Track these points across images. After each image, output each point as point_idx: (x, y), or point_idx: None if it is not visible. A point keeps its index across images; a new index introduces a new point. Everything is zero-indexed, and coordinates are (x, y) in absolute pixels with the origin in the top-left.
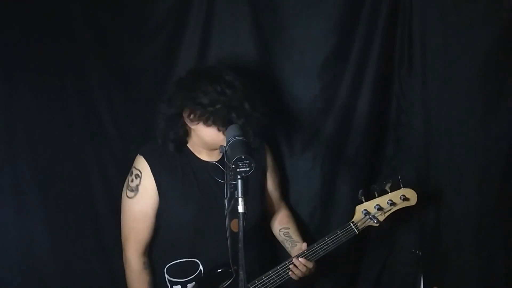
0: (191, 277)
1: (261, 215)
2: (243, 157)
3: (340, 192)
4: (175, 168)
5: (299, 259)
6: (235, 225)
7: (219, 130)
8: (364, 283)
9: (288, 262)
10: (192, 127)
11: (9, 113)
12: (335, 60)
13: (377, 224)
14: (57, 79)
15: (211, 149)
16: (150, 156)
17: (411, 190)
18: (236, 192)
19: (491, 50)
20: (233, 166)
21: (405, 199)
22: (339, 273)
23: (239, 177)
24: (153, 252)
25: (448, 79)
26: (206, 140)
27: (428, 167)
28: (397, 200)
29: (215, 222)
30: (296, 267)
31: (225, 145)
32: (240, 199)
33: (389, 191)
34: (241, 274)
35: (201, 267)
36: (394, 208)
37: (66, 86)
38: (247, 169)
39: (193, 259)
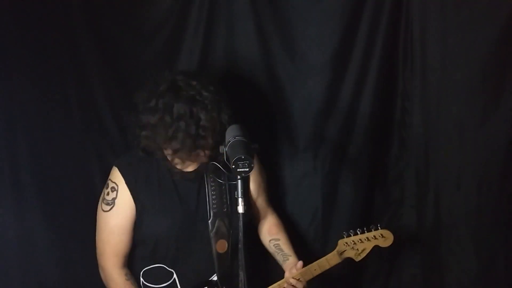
0: (165, 284)
1: (246, 224)
2: (243, 157)
3: (343, 193)
4: (152, 180)
5: (292, 280)
6: (220, 246)
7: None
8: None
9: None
10: None
11: (9, 112)
12: (337, 60)
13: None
14: (57, 78)
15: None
16: (125, 169)
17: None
18: (236, 192)
19: (491, 50)
20: (233, 166)
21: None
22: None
23: (238, 177)
24: (131, 259)
25: (448, 79)
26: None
27: (427, 167)
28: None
29: (195, 233)
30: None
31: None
32: (240, 199)
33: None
34: (241, 275)
35: (175, 276)
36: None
37: (67, 86)
38: (247, 169)
39: (167, 268)
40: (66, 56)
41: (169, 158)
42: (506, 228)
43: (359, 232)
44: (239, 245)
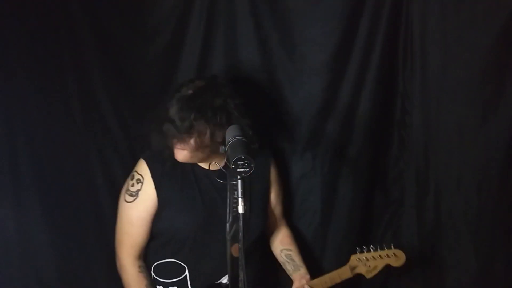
0: (175, 279)
1: (262, 231)
2: (243, 157)
3: (342, 193)
4: (176, 176)
5: None
6: (236, 250)
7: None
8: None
9: None
10: None
11: (10, 113)
12: (337, 60)
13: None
14: (59, 78)
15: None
16: (152, 162)
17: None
18: (236, 192)
19: (491, 50)
20: (233, 166)
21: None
22: None
23: (239, 177)
24: (145, 250)
25: (448, 79)
26: None
27: (428, 167)
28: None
29: (212, 231)
30: None
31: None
32: (240, 200)
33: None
34: (241, 275)
35: (187, 272)
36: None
37: (68, 86)
38: (247, 169)
39: (181, 263)
40: (67, 56)
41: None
42: (506, 228)
43: (372, 249)
44: (239, 245)
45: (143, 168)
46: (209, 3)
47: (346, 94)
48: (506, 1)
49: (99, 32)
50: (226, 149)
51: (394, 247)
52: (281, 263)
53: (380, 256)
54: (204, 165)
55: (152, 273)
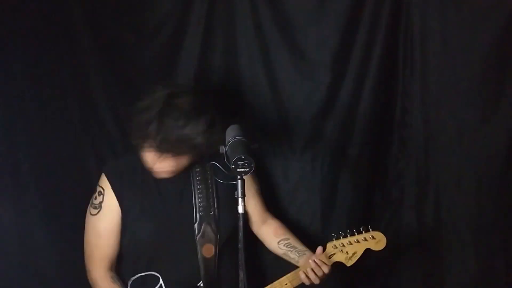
0: None
1: (234, 228)
2: (243, 157)
3: (342, 193)
4: (136, 185)
5: (317, 259)
6: (206, 251)
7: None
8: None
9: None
10: None
11: (10, 113)
12: (337, 60)
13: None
14: (57, 78)
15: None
16: (111, 174)
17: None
18: (235, 192)
19: (491, 50)
20: (233, 166)
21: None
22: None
23: (238, 177)
24: (119, 267)
25: (448, 79)
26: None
27: (427, 167)
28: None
29: (180, 237)
30: (312, 271)
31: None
32: (239, 200)
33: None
34: (241, 275)
35: (161, 281)
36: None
37: (67, 86)
38: (247, 169)
39: (154, 273)
40: (66, 56)
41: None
42: (506, 228)
43: (348, 234)
44: (239, 245)
45: (103, 181)
46: (208, 3)
47: (346, 94)
48: (506, 1)
49: (98, 33)
50: (226, 149)
51: (372, 230)
52: (282, 256)
53: (357, 240)
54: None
55: None
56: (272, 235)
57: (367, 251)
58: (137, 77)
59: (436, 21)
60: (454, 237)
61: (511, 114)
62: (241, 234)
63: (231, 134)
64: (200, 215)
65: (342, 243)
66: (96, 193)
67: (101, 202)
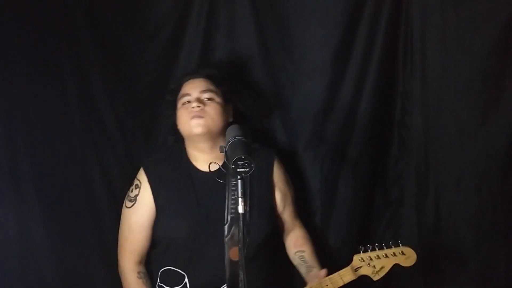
0: (177, 287)
1: (268, 234)
2: (243, 157)
3: (342, 193)
4: (174, 181)
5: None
6: (234, 254)
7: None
8: None
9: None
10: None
11: (9, 113)
12: (337, 60)
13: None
14: (57, 78)
15: (189, 136)
16: (150, 168)
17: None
18: (235, 192)
19: (491, 50)
20: (233, 166)
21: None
22: None
23: (238, 177)
24: (151, 256)
25: (448, 79)
26: (180, 127)
27: (427, 167)
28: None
29: (210, 236)
30: None
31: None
32: (240, 200)
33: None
34: (241, 275)
35: (186, 280)
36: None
37: (67, 86)
38: (247, 169)
39: (180, 271)
40: (67, 56)
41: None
42: (506, 228)
43: (376, 248)
44: (239, 245)
45: (141, 174)
46: (209, 3)
47: (346, 94)
48: (506, 1)
49: (98, 32)
50: (226, 149)
51: (402, 245)
52: (296, 266)
53: (385, 255)
54: (202, 168)
55: (158, 280)
56: (292, 244)
57: (395, 266)
58: (137, 78)
59: (436, 21)
60: (454, 237)
61: (511, 114)
62: (240, 234)
63: (231, 134)
64: (231, 217)
65: (369, 257)
66: (133, 186)
67: (136, 196)
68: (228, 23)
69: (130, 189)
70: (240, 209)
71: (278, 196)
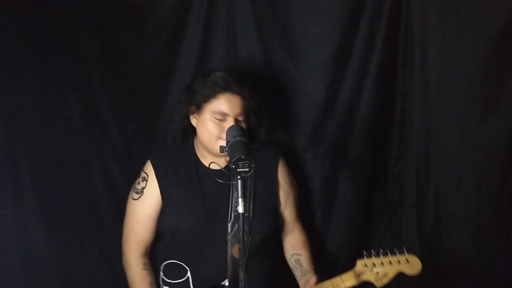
0: (179, 281)
1: (269, 233)
2: (243, 157)
3: (342, 193)
4: (180, 175)
5: None
6: (236, 251)
7: (216, 119)
8: None
9: None
10: (193, 122)
11: (9, 113)
12: (337, 60)
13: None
14: (58, 78)
15: (210, 151)
16: (157, 162)
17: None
18: (235, 192)
19: (491, 50)
20: (233, 166)
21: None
22: None
23: (238, 177)
24: (156, 249)
25: (448, 79)
26: (203, 137)
27: (427, 167)
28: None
29: (214, 232)
30: None
31: (225, 144)
32: (240, 200)
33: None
34: (241, 275)
35: (189, 274)
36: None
37: (67, 86)
38: (247, 169)
39: (183, 264)
40: (66, 56)
41: (207, 119)
42: (506, 228)
43: (381, 254)
44: (239, 245)
45: (148, 166)
46: (208, 3)
47: (346, 94)
48: (506, 1)
49: (98, 33)
50: (226, 149)
51: (408, 252)
52: (291, 269)
53: (389, 261)
54: (207, 163)
55: (161, 273)
56: (290, 246)
57: (400, 274)
58: (137, 78)
59: (436, 20)
60: (454, 237)
61: (511, 114)
62: (240, 234)
63: (231, 134)
64: (234, 214)
65: (373, 262)
66: (140, 178)
67: (143, 188)
68: (228, 23)
69: (137, 181)
70: (240, 209)
71: (281, 194)
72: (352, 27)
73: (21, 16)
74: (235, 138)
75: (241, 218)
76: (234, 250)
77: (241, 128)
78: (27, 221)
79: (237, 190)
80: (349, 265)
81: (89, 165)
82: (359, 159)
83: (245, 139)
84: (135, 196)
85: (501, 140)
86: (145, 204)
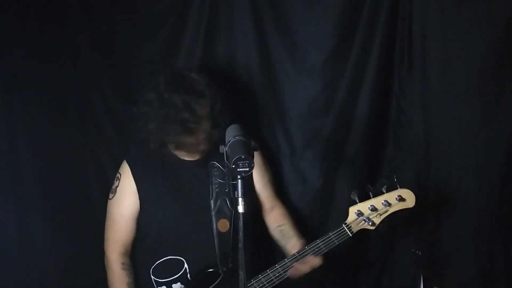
0: (176, 276)
1: (248, 215)
2: (243, 157)
3: (340, 192)
4: (156, 171)
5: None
6: (222, 226)
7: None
8: (364, 284)
9: (282, 264)
10: None
11: (9, 113)
12: (335, 60)
13: (373, 227)
14: (56, 78)
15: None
16: (132, 161)
17: (408, 191)
18: (236, 192)
19: (491, 50)
20: (233, 166)
21: (401, 199)
22: (338, 274)
23: (239, 177)
24: (139, 254)
25: (448, 79)
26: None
27: (428, 167)
28: (392, 201)
29: (199, 221)
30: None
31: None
32: (240, 199)
33: (384, 192)
34: (241, 274)
35: (186, 265)
36: (390, 210)
37: (65, 86)
38: (247, 169)
39: (178, 257)
40: (65, 56)
41: (170, 148)
42: (506, 229)
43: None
44: (239, 245)
45: (123, 167)
46: (209, 3)
47: (344, 94)
48: (506, 1)
49: (97, 32)
50: (226, 148)
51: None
52: (277, 242)
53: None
54: (181, 155)
55: (152, 276)
56: (273, 221)
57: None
58: (136, 77)
59: (436, 20)
60: (454, 238)
61: (511, 114)
62: (241, 233)
63: (231, 133)
64: (216, 191)
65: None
66: (115, 179)
67: (116, 187)
68: (228, 23)
69: (112, 182)
70: (240, 208)
71: (256, 177)
72: (351, 27)
73: (20, 16)
74: (235, 138)
75: (241, 218)
76: (220, 225)
77: (241, 127)
78: (26, 220)
79: (237, 190)
80: (348, 264)
81: (87, 165)
82: (356, 158)
83: (245, 139)
84: (110, 196)
85: (501, 140)
86: (119, 203)
